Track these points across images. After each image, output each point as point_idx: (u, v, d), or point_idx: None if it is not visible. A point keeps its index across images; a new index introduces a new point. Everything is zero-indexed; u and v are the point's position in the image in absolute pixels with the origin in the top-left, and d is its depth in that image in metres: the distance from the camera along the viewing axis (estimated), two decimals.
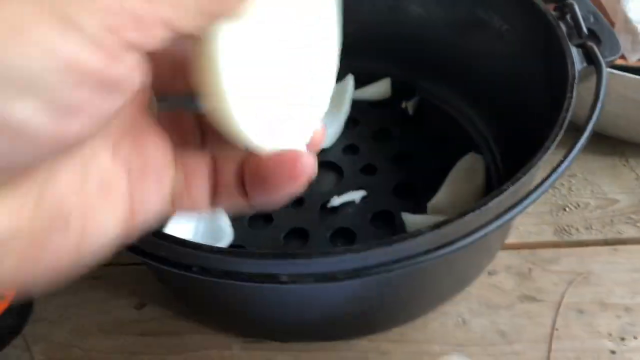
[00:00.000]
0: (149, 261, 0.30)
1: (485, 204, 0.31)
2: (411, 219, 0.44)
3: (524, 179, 0.32)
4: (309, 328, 0.39)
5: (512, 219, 0.31)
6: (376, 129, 0.54)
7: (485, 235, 0.30)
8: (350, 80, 0.53)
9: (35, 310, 0.45)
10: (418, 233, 0.30)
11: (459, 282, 0.41)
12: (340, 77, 0.56)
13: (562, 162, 0.33)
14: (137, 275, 0.47)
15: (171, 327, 0.43)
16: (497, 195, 0.31)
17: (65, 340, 0.43)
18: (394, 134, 0.53)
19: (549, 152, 0.34)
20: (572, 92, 0.37)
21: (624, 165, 0.51)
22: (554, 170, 0.33)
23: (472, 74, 0.52)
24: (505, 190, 0.32)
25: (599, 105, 0.35)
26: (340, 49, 0.57)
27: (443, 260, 0.35)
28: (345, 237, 0.46)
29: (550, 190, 0.50)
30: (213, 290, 0.36)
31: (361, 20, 0.55)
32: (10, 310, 0.42)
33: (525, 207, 0.31)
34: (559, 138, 0.34)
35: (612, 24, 0.51)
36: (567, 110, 0.36)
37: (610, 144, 0.52)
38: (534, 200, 0.32)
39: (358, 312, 0.36)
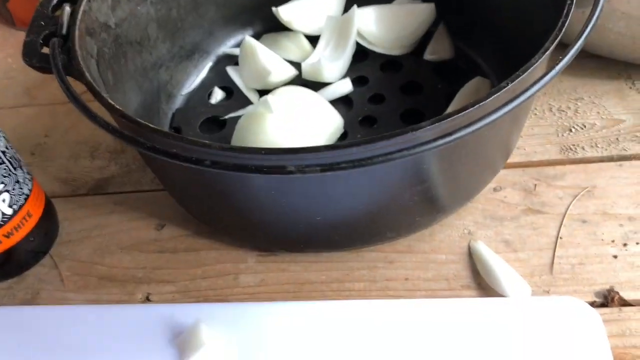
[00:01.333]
0: (162, 156, 0.32)
1: (483, 100, 0.32)
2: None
3: (523, 77, 0.33)
4: (318, 236, 0.40)
5: (507, 113, 0.32)
6: (384, 61, 0.55)
7: (480, 128, 0.31)
8: (355, 11, 0.54)
9: (61, 233, 0.47)
10: (418, 127, 0.31)
11: (464, 193, 0.42)
12: (345, 9, 0.57)
13: (560, 60, 0.34)
14: (157, 200, 0.49)
15: (189, 244, 0.45)
16: (496, 92, 0.32)
17: (89, 259, 0.45)
18: (404, 65, 0.54)
19: (549, 52, 0.35)
20: (569, 7, 0.37)
21: (630, 87, 0.51)
22: (551, 68, 0.33)
23: (477, 3, 0.52)
24: (504, 87, 0.33)
25: (597, 11, 0.36)
26: None
27: (445, 162, 0.37)
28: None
29: (557, 113, 0.50)
30: (228, 197, 0.38)
31: None
32: (38, 231, 0.44)
33: (520, 104, 0.32)
34: (557, 39, 0.35)
35: None
36: (567, 15, 0.36)
37: (616, 68, 0.53)
38: (529, 97, 0.32)
39: (365, 214, 0.38)
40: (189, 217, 0.46)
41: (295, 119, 0.46)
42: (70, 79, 0.38)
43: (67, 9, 0.43)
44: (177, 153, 0.32)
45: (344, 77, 0.53)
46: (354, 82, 0.53)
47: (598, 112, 0.50)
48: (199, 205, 0.42)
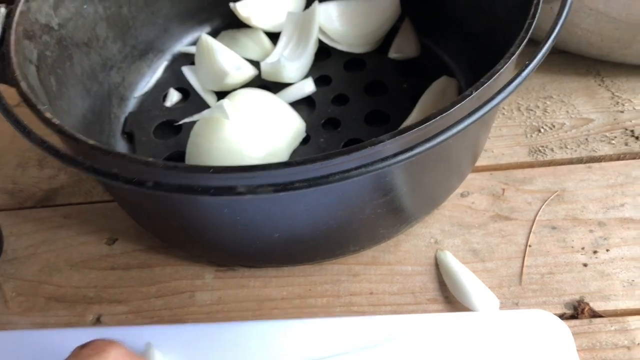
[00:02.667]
0: (101, 177, 0.29)
1: (447, 110, 0.30)
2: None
3: (488, 84, 0.31)
4: (277, 252, 0.38)
5: (472, 123, 0.30)
6: (348, 59, 0.53)
7: (445, 140, 0.29)
8: (316, 6, 0.51)
9: (6, 250, 0.44)
10: (377, 141, 0.29)
11: (429, 201, 0.40)
12: (306, 4, 0.55)
13: (526, 66, 0.32)
14: (108, 212, 0.46)
15: (143, 260, 0.43)
16: (460, 101, 0.30)
17: (36, 277, 0.43)
18: (367, 64, 0.52)
19: (514, 57, 0.33)
20: (537, 6, 0.35)
21: (599, 85, 0.50)
22: (518, 74, 0.32)
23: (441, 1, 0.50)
24: (469, 95, 0.31)
25: (564, 12, 0.34)
26: None
27: (408, 173, 0.35)
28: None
29: (525, 112, 0.49)
30: (179, 214, 0.36)
31: None
32: None
33: (485, 113, 0.30)
34: (524, 43, 0.33)
35: None
36: (534, 16, 0.35)
37: (585, 64, 0.51)
38: (495, 105, 0.31)
39: (325, 231, 0.36)
40: (142, 230, 0.44)
41: (254, 124, 0.43)
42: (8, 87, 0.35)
43: (2, 10, 0.40)
44: (118, 173, 0.30)
45: (307, 76, 0.51)
46: (316, 81, 0.51)
47: (567, 111, 0.48)
48: (150, 221, 0.40)
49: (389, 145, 0.29)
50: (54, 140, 0.31)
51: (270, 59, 0.51)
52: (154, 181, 0.29)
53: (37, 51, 0.41)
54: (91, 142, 0.31)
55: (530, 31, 0.34)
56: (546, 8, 0.41)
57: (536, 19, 0.35)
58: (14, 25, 0.39)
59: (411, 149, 0.29)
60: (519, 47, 0.33)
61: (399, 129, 0.29)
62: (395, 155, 0.29)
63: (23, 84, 0.35)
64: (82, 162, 0.30)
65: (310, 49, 0.51)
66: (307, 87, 0.50)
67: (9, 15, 0.40)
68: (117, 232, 0.45)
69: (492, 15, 0.46)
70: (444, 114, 0.30)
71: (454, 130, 0.30)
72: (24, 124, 0.32)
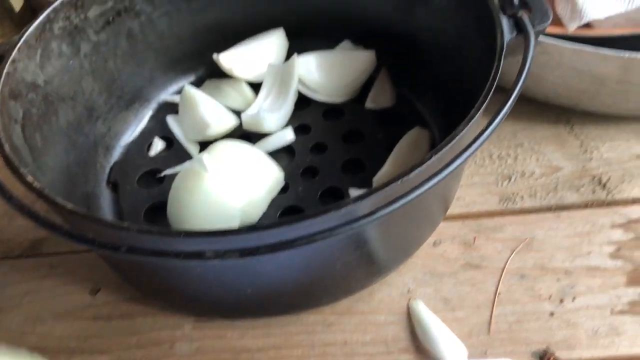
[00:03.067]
0: (77, 242, 0.31)
1: (407, 173, 0.32)
2: (356, 194, 0.45)
3: (448, 147, 0.33)
4: (253, 304, 0.39)
5: (435, 185, 0.32)
6: (326, 109, 0.55)
7: (407, 203, 0.31)
8: (295, 59, 0.53)
9: None
10: (342, 205, 0.30)
11: (402, 252, 0.42)
12: (286, 56, 0.57)
13: (485, 129, 0.33)
14: (92, 261, 0.47)
15: (125, 310, 0.44)
16: (419, 165, 0.32)
17: (19, 328, 0.44)
18: (345, 113, 0.54)
19: (473, 121, 0.34)
20: (499, 62, 0.37)
21: (569, 132, 0.52)
22: (477, 137, 0.33)
23: (418, 50, 0.52)
24: (429, 159, 0.32)
25: (524, 74, 0.36)
26: (286, 28, 0.57)
27: (379, 229, 0.37)
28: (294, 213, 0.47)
29: (497, 160, 0.50)
30: (155, 270, 0.37)
31: (307, 2, 0.56)
32: None
33: (449, 174, 0.32)
34: (483, 108, 0.35)
35: None
36: (494, 80, 0.36)
37: (555, 112, 0.53)
38: (457, 167, 0.32)
39: (297, 286, 0.37)
40: (121, 280, 0.45)
41: (233, 176, 0.45)
42: None
43: None
44: (94, 238, 0.31)
45: (287, 125, 0.53)
46: (296, 130, 0.52)
47: (537, 159, 0.50)
48: (129, 274, 0.41)
49: (354, 209, 0.31)
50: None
51: (250, 111, 0.53)
52: (127, 246, 0.31)
53: (23, 110, 0.43)
54: (69, 206, 0.32)
55: (489, 96, 0.36)
56: (513, 61, 0.43)
57: (495, 83, 0.36)
58: None
59: (374, 212, 0.31)
60: (478, 110, 0.35)
61: (359, 195, 0.31)
62: (359, 218, 0.31)
63: (6, 147, 0.37)
64: (60, 227, 0.32)
65: (290, 99, 0.53)
66: (287, 136, 0.52)
67: None
68: (101, 282, 0.46)
69: (461, 65, 0.48)
70: (404, 178, 0.32)
71: (417, 192, 0.31)
72: (5, 189, 0.34)
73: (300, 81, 0.54)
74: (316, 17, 0.56)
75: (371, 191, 0.31)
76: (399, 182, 0.31)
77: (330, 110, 0.54)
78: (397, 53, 0.54)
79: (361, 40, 0.56)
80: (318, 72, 0.54)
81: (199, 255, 0.30)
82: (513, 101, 0.35)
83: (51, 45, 0.46)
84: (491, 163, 0.50)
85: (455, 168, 0.32)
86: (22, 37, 0.44)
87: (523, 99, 0.53)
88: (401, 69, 0.55)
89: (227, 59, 0.55)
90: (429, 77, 0.52)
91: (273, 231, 0.30)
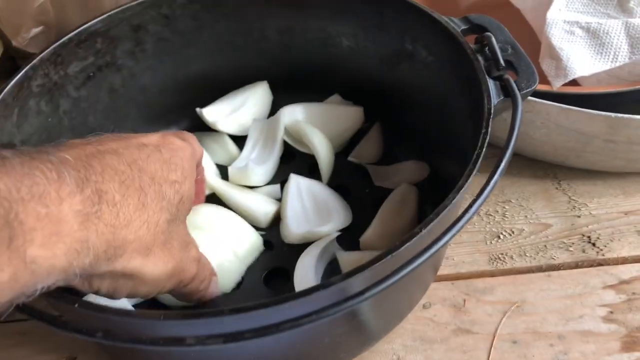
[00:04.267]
0: (49, 326, 0.29)
1: (392, 251, 0.31)
2: (345, 257, 0.44)
3: (437, 220, 0.32)
4: None
5: (421, 264, 0.31)
6: (313, 162, 0.54)
7: (394, 283, 0.30)
8: (281, 114, 0.53)
9: None
10: (327, 284, 0.29)
11: (393, 319, 0.41)
12: (272, 111, 0.56)
13: (473, 203, 0.32)
14: None
15: None
16: (407, 241, 0.31)
17: None
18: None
19: (462, 191, 0.34)
20: (487, 127, 0.37)
21: (557, 188, 0.51)
22: (465, 211, 0.32)
23: (404, 106, 0.52)
24: (419, 233, 0.32)
25: (512, 140, 0.35)
26: (270, 81, 0.56)
27: (368, 304, 0.35)
28: (280, 276, 0.46)
29: (485, 217, 0.50)
30: (134, 353, 0.35)
31: (293, 55, 0.55)
32: None
33: (435, 252, 0.31)
34: (472, 177, 0.34)
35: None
36: (482, 147, 0.36)
37: (543, 167, 0.53)
38: (444, 244, 0.31)
39: None
40: (101, 347, 0.43)
41: (206, 242, 0.43)
42: None
43: None
44: (66, 321, 0.29)
45: (272, 181, 0.52)
46: (281, 185, 0.51)
47: (526, 216, 0.49)
48: (107, 348, 0.39)
49: (342, 286, 0.30)
50: None
51: (237, 164, 0.52)
52: (103, 330, 0.29)
53: None
54: None
55: (478, 164, 0.35)
56: (500, 120, 0.43)
57: (484, 150, 0.36)
58: None
59: (364, 291, 0.29)
60: (466, 180, 0.34)
61: (345, 273, 0.30)
62: (349, 298, 0.29)
63: None
64: (31, 308, 0.30)
65: (276, 153, 0.52)
66: (275, 194, 0.50)
67: None
68: (77, 350, 0.44)
69: (447, 123, 0.47)
70: (388, 256, 0.31)
71: (404, 271, 0.30)
72: None
73: (286, 131, 0.54)
74: (300, 70, 0.56)
75: (361, 268, 0.30)
76: (389, 257, 0.30)
77: (315, 164, 0.53)
78: (384, 108, 0.53)
79: (350, 94, 0.56)
80: (304, 122, 0.53)
81: (179, 341, 0.28)
82: (503, 169, 0.34)
83: (29, 103, 0.45)
84: (479, 220, 0.49)
85: (448, 240, 0.31)
86: None
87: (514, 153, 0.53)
88: (388, 125, 0.54)
89: (210, 113, 0.55)
90: (414, 135, 0.51)
91: (257, 313, 0.29)
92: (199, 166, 0.40)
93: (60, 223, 0.25)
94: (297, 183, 0.49)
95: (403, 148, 0.53)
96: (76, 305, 0.30)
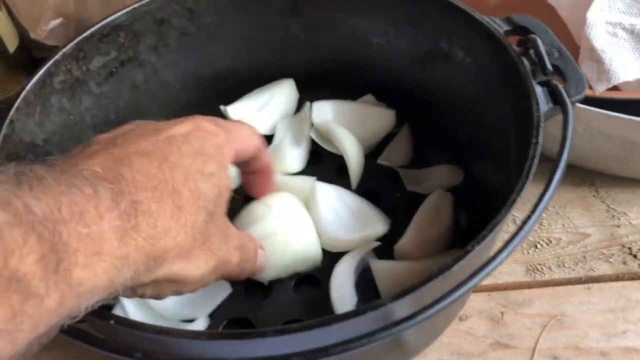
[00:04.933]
0: (84, 345, 0.28)
1: (449, 267, 0.29)
2: (379, 266, 0.42)
3: (488, 239, 0.31)
4: None
5: (474, 286, 0.29)
6: (340, 163, 0.52)
7: (450, 304, 0.28)
8: (310, 109, 0.51)
9: None
10: (373, 307, 0.28)
11: (432, 335, 0.39)
12: (298, 110, 0.55)
13: (527, 218, 0.31)
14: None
15: None
16: (460, 258, 0.29)
17: None
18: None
19: (515, 205, 0.32)
20: (537, 137, 0.35)
21: (595, 196, 0.50)
22: (520, 228, 0.31)
23: (436, 108, 0.50)
24: (469, 252, 0.30)
25: (565, 151, 0.34)
26: (296, 79, 0.54)
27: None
28: (309, 283, 0.44)
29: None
30: None
31: (321, 52, 0.53)
32: None
33: (491, 271, 0.29)
34: (524, 189, 0.33)
35: (577, 49, 0.50)
36: (533, 157, 0.34)
37: (579, 173, 0.51)
38: (500, 263, 0.30)
39: None
40: None
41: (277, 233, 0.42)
42: None
43: None
44: (103, 339, 0.28)
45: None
46: None
47: (563, 225, 0.48)
48: None
49: (400, 307, 0.28)
50: None
51: (270, 147, 0.50)
52: (142, 350, 0.27)
53: None
54: None
55: (530, 176, 0.33)
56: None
57: (536, 160, 0.34)
58: None
59: (414, 315, 0.28)
60: (519, 194, 0.33)
61: (382, 300, 0.28)
62: (399, 322, 0.28)
63: None
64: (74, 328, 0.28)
65: (305, 143, 0.51)
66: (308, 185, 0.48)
67: None
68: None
69: (483, 128, 0.45)
70: (447, 272, 0.29)
71: (461, 290, 0.29)
72: None
73: (314, 129, 0.52)
74: (327, 68, 0.54)
75: (412, 288, 0.28)
76: (440, 277, 0.29)
77: (343, 166, 0.51)
78: (414, 109, 0.51)
79: (380, 95, 0.54)
80: (333, 120, 0.52)
81: None
82: (557, 182, 0.33)
83: (51, 100, 0.43)
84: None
85: (504, 258, 0.30)
86: (20, 93, 0.41)
87: (545, 158, 0.51)
88: (418, 126, 0.52)
89: (235, 111, 0.53)
90: (447, 138, 0.50)
91: (302, 335, 0.27)
92: (256, 159, 0.39)
93: (101, 241, 0.23)
94: (323, 190, 0.47)
95: (433, 151, 0.52)
96: (112, 322, 0.28)
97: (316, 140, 0.52)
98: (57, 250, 0.21)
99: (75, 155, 0.28)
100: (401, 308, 0.28)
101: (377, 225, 0.45)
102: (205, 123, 0.33)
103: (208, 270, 0.31)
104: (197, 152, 0.31)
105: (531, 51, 0.40)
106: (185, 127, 0.32)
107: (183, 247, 0.28)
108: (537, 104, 0.37)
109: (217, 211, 0.32)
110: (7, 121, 0.39)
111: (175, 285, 0.30)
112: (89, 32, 0.45)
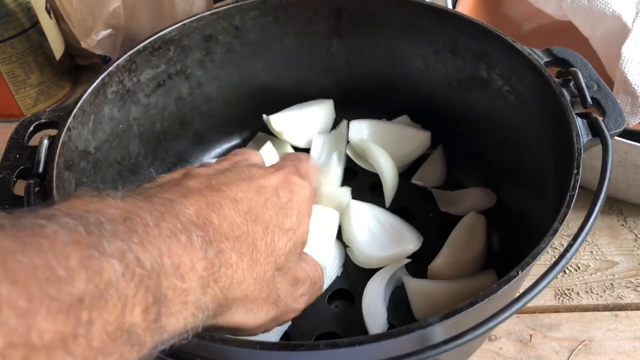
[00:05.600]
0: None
1: (492, 293, 0.30)
2: (412, 284, 0.43)
3: (531, 265, 0.32)
4: None
5: (515, 312, 0.30)
6: (374, 180, 0.53)
7: (491, 329, 0.30)
8: (346, 127, 0.53)
9: None
10: (421, 326, 0.29)
11: (463, 356, 0.40)
12: (332, 128, 0.56)
13: (568, 247, 0.32)
14: None
15: None
16: (504, 284, 0.31)
17: None
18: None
19: (557, 234, 0.33)
20: (578, 168, 0.36)
21: (623, 225, 0.51)
22: (562, 256, 0.32)
23: (471, 132, 0.52)
24: (512, 279, 0.31)
25: (605, 185, 0.35)
26: (337, 99, 0.56)
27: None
28: (343, 298, 0.46)
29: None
30: None
31: (360, 72, 0.55)
32: None
33: (531, 299, 0.31)
34: (567, 218, 0.34)
35: (611, 82, 0.51)
36: (574, 188, 0.35)
37: (608, 202, 0.52)
38: (540, 291, 0.31)
39: None
40: None
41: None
42: None
43: (45, 141, 0.40)
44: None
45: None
46: None
47: (591, 252, 0.49)
48: None
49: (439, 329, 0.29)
50: None
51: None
52: (201, 356, 0.29)
53: (75, 180, 0.41)
54: None
55: (571, 206, 0.35)
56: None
57: (576, 191, 0.35)
58: (56, 158, 0.39)
59: (453, 339, 0.29)
60: (561, 222, 0.34)
61: (440, 316, 0.29)
62: (442, 343, 0.29)
63: None
64: None
65: (343, 160, 0.53)
66: (345, 197, 0.50)
67: (51, 146, 0.40)
68: None
69: (518, 155, 0.47)
70: (490, 296, 0.30)
71: (500, 317, 0.30)
72: None
73: (349, 146, 0.54)
74: (365, 88, 0.56)
75: (460, 309, 0.30)
76: (485, 300, 0.30)
77: (377, 184, 0.53)
78: (451, 132, 0.53)
79: (416, 116, 0.55)
80: (369, 139, 0.53)
81: None
82: (597, 214, 0.34)
83: (104, 110, 0.45)
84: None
85: (545, 287, 0.31)
86: (77, 103, 0.42)
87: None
88: (452, 148, 0.54)
89: (278, 121, 0.54)
90: (481, 161, 0.51)
91: (353, 350, 0.29)
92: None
93: (190, 292, 0.25)
94: (357, 208, 0.49)
95: (467, 173, 0.53)
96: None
97: (352, 157, 0.54)
98: (158, 302, 0.22)
99: (172, 189, 0.29)
100: (441, 331, 0.29)
101: (409, 242, 0.46)
102: (294, 177, 0.34)
103: (267, 320, 0.32)
104: (281, 207, 0.32)
105: (571, 83, 0.42)
106: (276, 181, 0.33)
107: (249, 298, 0.29)
108: (578, 135, 0.38)
109: (288, 264, 0.32)
110: (64, 129, 0.41)
111: (232, 331, 0.31)
112: (141, 45, 0.47)
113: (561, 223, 0.34)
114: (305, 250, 0.36)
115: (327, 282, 0.45)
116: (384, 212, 0.49)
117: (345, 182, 0.53)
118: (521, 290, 0.30)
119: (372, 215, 0.49)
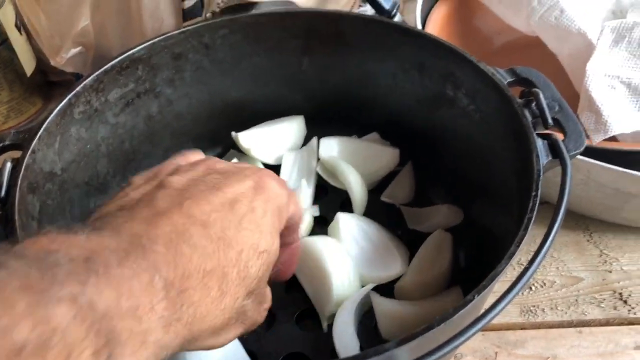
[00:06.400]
0: None
1: (446, 319, 0.31)
2: (380, 304, 0.44)
3: (487, 289, 0.32)
4: None
5: (474, 334, 0.31)
6: (344, 198, 0.54)
7: (443, 356, 0.30)
8: (316, 144, 0.54)
9: None
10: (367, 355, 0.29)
11: None
12: (303, 144, 0.57)
13: (526, 269, 0.33)
14: None
15: None
16: (460, 308, 0.31)
17: None
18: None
19: (514, 257, 0.34)
20: (537, 190, 0.37)
21: (588, 240, 0.52)
22: (519, 278, 0.32)
23: (439, 149, 0.52)
24: (468, 303, 0.32)
25: (562, 206, 0.35)
26: (307, 116, 0.56)
27: None
28: (310, 318, 0.46)
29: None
30: None
31: (330, 90, 0.55)
32: None
33: (488, 321, 0.31)
34: (524, 241, 0.34)
35: (576, 94, 0.52)
36: (532, 210, 0.36)
37: (574, 218, 0.53)
38: (498, 313, 0.31)
39: None
40: None
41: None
42: None
43: (8, 164, 0.40)
44: None
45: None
46: (315, 220, 0.52)
47: (557, 268, 0.50)
48: None
49: (400, 354, 0.30)
50: None
51: None
52: None
53: (40, 203, 0.41)
54: None
55: (529, 227, 0.35)
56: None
57: (534, 213, 0.36)
58: (19, 182, 0.39)
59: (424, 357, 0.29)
60: (518, 246, 0.34)
61: (402, 339, 0.30)
62: None
63: None
64: None
65: (312, 182, 0.53)
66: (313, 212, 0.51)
67: (14, 169, 0.40)
68: None
69: (485, 174, 0.47)
70: (447, 320, 0.31)
71: (463, 338, 0.30)
72: None
73: (320, 163, 0.54)
74: (336, 105, 0.56)
75: (414, 335, 0.30)
76: (442, 325, 0.30)
77: (347, 201, 0.53)
78: (419, 149, 0.54)
79: (386, 133, 0.56)
80: (340, 157, 0.54)
81: None
82: (554, 235, 0.34)
83: (70, 130, 0.45)
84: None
85: (504, 307, 0.32)
86: (42, 124, 0.42)
87: (544, 201, 0.53)
88: (420, 166, 0.54)
89: (246, 138, 0.54)
90: (450, 178, 0.52)
91: None
92: (293, 231, 0.36)
93: (149, 333, 0.24)
94: (346, 222, 0.49)
95: (436, 190, 0.54)
96: None
97: (322, 174, 0.54)
98: (111, 344, 0.22)
99: (141, 215, 0.28)
100: (403, 354, 0.30)
101: (401, 261, 0.46)
102: (270, 180, 0.33)
103: (233, 338, 0.32)
104: (257, 224, 0.30)
105: (533, 104, 0.42)
106: (249, 185, 0.32)
107: (217, 327, 0.29)
108: (538, 156, 0.38)
109: (259, 287, 0.32)
110: (29, 151, 0.40)
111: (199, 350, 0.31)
112: (109, 64, 0.47)
113: (518, 246, 0.34)
114: None
115: None
116: (373, 226, 0.49)
117: (316, 199, 0.54)
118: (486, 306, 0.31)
119: (360, 229, 0.49)
